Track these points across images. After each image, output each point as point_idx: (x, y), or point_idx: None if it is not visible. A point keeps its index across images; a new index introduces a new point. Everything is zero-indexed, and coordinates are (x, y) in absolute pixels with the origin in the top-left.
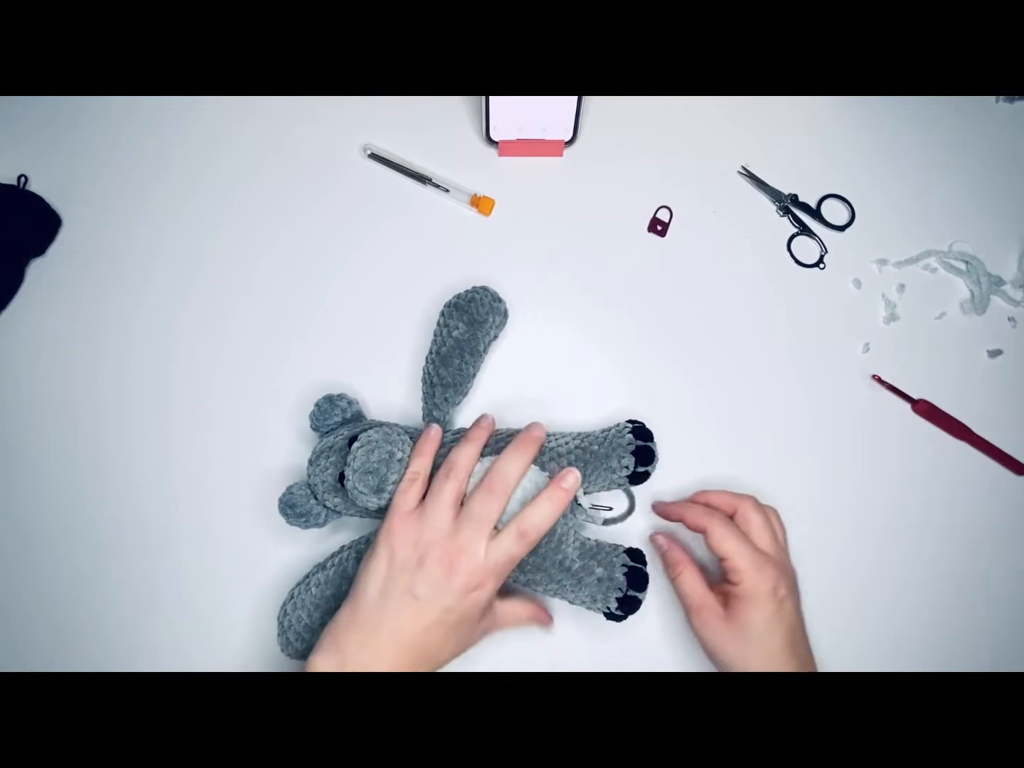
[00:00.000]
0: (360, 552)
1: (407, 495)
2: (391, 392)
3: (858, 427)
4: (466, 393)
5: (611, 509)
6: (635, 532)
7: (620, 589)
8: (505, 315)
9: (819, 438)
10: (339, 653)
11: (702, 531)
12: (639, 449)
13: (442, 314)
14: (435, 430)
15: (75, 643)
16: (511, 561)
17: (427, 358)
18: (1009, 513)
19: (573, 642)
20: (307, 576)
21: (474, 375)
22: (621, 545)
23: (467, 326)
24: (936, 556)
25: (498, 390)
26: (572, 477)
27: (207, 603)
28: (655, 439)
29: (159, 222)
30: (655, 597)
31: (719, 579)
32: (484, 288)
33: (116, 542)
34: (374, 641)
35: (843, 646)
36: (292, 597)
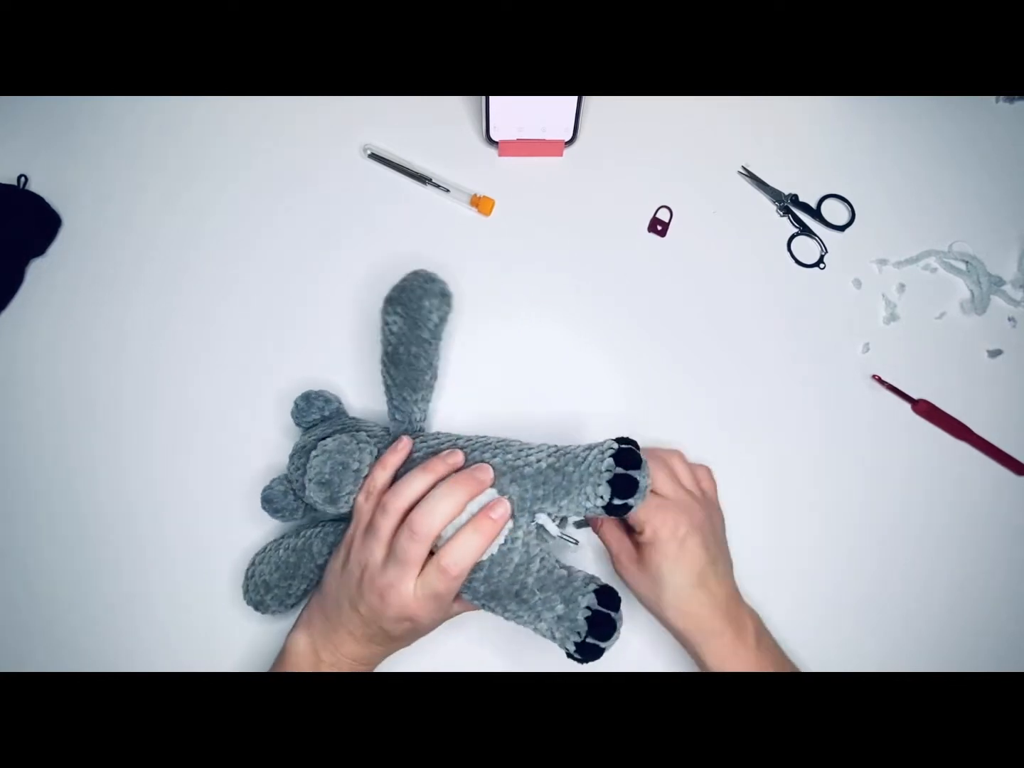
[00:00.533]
0: (327, 537)
1: (362, 510)
2: (373, 380)
3: (858, 427)
4: (425, 389)
5: (577, 543)
6: None
7: (578, 634)
8: (443, 295)
9: (819, 438)
10: (309, 631)
11: None
12: (618, 478)
13: (382, 311)
14: (404, 443)
15: (65, 640)
16: (439, 597)
17: (380, 360)
18: (1009, 513)
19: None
20: (281, 537)
21: (428, 368)
22: (595, 580)
23: (402, 318)
24: (936, 555)
25: (496, 388)
26: (502, 508)
27: (195, 591)
28: (643, 466)
29: (159, 222)
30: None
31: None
32: (415, 272)
33: (111, 538)
34: (334, 630)
35: (843, 646)
36: (264, 551)
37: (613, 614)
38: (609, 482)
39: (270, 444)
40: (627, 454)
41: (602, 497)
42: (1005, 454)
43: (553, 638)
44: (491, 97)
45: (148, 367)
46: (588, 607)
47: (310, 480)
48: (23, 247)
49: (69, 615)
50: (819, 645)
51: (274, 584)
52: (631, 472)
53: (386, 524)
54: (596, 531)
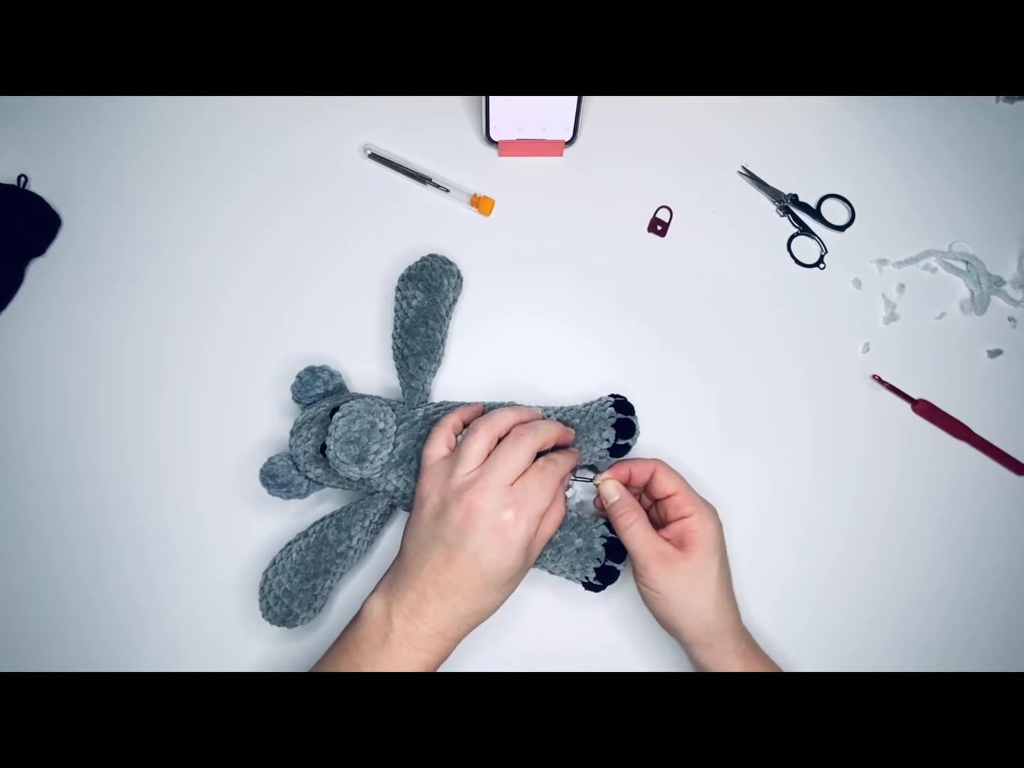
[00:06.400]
0: (340, 521)
1: (432, 457)
2: (374, 366)
3: (858, 427)
4: (439, 360)
5: (591, 480)
6: None
7: (598, 559)
8: (459, 277)
9: (819, 438)
10: (387, 592)
11: (650, 473)
12: (620, 422)
13: (398, 288)
14: (479, 406)
15: (66, 636)
16: (535, 506)
17: (393, 335)
18: (1009, 513)
19: (549, 643)
20: (288, 544)
21: (442, 341)
22: (601, 517)
23: (424, 293)
24: (935, 555)
25: (496, 389)
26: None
27: (191, 579)
28: (636, 412)
29: (158, 222)
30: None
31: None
32: (433, 255)
33: (111, 533)
34: (413, 586)
35: (841, 645)
36: (274, 563)
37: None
38: (613, 426)
39: (254, 419)
40: (623, 403)
41: (608, 440)
42: (1005, 454)
43: (572, 571)
44: (491, 97)
45: (149, 367)
46: (603, 536)
47: (336, 440)
48: (23, 247)
49: (71, 610)
50: (816, 644)
51: (297, 589)
52: (629, 417)
53: (477, 446)
54: (625, 532)
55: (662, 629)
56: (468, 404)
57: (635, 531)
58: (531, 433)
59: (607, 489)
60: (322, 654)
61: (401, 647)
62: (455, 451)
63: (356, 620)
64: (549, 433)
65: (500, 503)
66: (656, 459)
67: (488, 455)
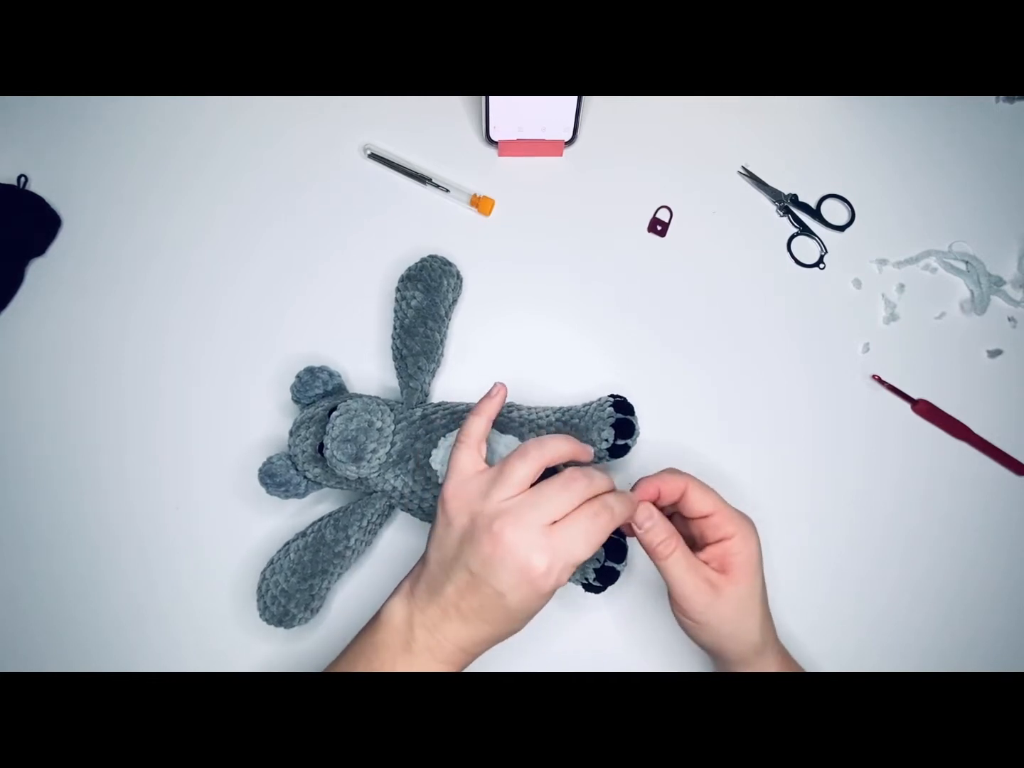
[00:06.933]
0: (338, 520)
1: (461, 460)
2: (373, 366)
3: (858, 427)
4: (438, 361)
5: None
6: None
7: (598, 560)
8: (458, 278)
9: (819, 438)
10: (409, 600)
11: (681, 491)
12: (619, 422)
13: (397, 289)
14: (498, 388)
15: (69, 633)
16: (571, 553)
17: (392, 335)
18: (1009, 513)
19: (540, 643)
20: (286, 543)
21: (441, 341)
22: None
23: (424, 293)
24: (935, 555)
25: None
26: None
27: (190, 579)
28: (636, 413)
29: (158, 222)
30: (627, 597)
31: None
32: (432, 256)
33: (110, 533)
34: (436, 601)
35: (841, 646)
36: (271, 563)
37: (622, 540)
38: (612, 426)
39: (253, 419)
40: (623, 403)
41: (607, 440)
42: (1005, 454)
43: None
44: (491, 97)
45: (148, 367)
46: None
47: (334, 439)
48: (23, 247)
49: (71, 610)
50: (816, 645)
51: (294, 589)
52: (628, 417)
53: (523, 472)
54: (665, 561)
55: (663, 630)
56: (488, 396)
57: (677, 559)
58: (586, 481)
59: (640, 514)
60: (321, 655)
61: (423, 657)
62: (497, 470)
63: (375, 623)
64: (602, 486)
65: (533, 544)
66: (687, 475)
67: (531, 484)
